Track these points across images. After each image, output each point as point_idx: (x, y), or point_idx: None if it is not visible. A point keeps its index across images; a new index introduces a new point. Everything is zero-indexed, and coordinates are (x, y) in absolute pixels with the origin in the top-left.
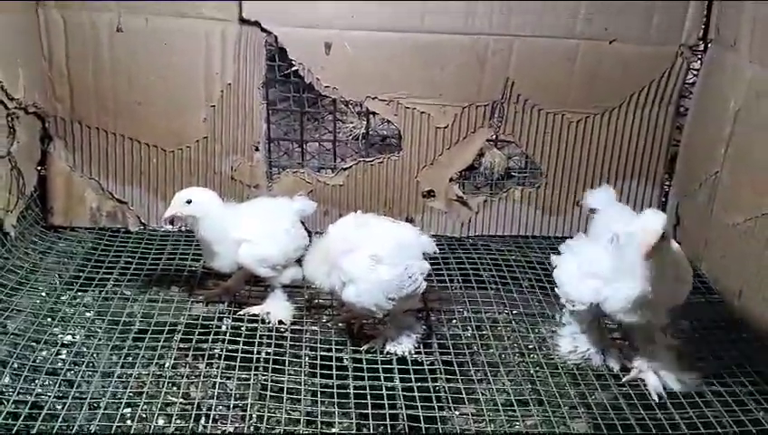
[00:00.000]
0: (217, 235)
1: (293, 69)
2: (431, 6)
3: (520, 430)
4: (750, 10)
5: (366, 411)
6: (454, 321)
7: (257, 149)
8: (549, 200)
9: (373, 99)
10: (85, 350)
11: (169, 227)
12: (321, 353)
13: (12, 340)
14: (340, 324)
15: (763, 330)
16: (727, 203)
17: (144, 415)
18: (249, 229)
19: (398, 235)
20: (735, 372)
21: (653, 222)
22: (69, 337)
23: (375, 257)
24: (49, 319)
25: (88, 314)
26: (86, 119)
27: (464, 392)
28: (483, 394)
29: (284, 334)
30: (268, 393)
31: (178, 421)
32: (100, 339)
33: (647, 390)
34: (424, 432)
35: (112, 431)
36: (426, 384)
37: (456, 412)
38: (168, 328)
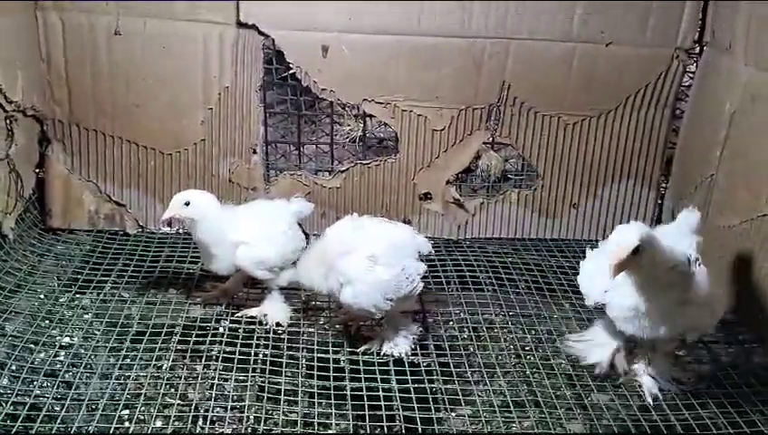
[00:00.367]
0: (215, 237)
1: (291, 72)
2: (428, 9)
3: (516, 432)
4: (745, 13)
5: (363, 413)
6: (450, 323)
7: (255, 152)
8: (545, 203)
9: (370, 101)
10: (83, 352)
11: (167, 230)
12: (319, 355)
13: (10, 342)
14: (337, 326)
15: (758, 332)
16: (723, 205)
17: (142, 417)
18: (247, 231)
19: (394, 235)
20: (731, 373)
21: (627, 237)
22: (67, 339)
23: (372, 258)
24: (47, 321)
25: (86, 316)
26: (84, 121)
27: (460, 394)
28: (479, 396)
29: (282, 336)
30: (265, 395)
31: (176, 423)
32: (98, 341)
33: (642, 391)
34: (420, 434)
35: (110, 433)
36: (422, 386)
37: (453, 414)
38: (165, 330)
